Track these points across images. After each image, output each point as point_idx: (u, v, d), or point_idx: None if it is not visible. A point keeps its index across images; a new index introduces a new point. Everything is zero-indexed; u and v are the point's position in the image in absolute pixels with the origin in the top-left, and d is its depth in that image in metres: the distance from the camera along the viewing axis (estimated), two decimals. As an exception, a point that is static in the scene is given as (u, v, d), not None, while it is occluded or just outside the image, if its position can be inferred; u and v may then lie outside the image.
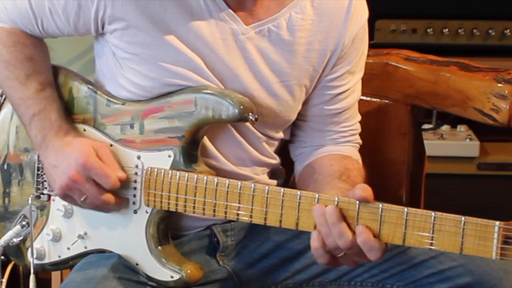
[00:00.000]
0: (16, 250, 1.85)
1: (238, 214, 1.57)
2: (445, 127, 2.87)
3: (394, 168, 2.00)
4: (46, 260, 1.80)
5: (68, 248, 1.76)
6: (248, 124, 1.70)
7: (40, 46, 1.77)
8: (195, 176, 1.60)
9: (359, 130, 1.84)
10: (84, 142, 1.67)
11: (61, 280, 2.32)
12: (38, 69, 1.73)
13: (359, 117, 1.84)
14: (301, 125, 1.81)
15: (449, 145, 2.82)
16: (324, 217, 1.46)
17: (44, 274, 1.89)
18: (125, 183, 1.67)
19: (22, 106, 1.73)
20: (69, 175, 1.64)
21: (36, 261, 1.79)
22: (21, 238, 1.82)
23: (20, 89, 1.72)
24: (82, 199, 1.65)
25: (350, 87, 1.77)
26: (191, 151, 1.64)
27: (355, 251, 1.46)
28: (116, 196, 1.65)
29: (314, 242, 1.48)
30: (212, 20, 1.63)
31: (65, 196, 1.69)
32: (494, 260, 1.59)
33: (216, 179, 1.59)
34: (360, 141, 1.85)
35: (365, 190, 1.45)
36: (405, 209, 1.42)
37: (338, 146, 1.81)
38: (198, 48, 1.64)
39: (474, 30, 2.86)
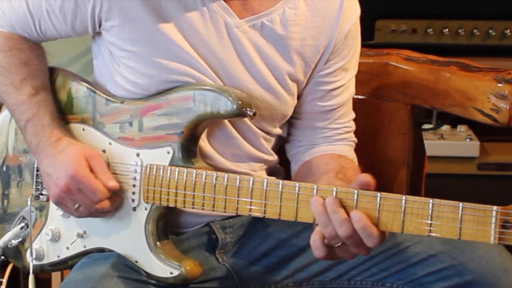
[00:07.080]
0: (15, 252, 1.84)
1: (237, 208, 1.57)
2: (445, 127, 2.87)
3: (394, 168, 2.00)
4: (45, 261, 1.80)
5: (67, 248, 1.76)
6: (245, 119, 1.70)
7: (37, 50, 1.77)
8: (194, 171, 1.61)
9: (354, 128, 1.85)
10: (76, 152, 1.66)
11: (61, 280, 2.31)
12: (33, 73, 1.74)
13: (353, 115, 1.84)
14: (295, 123, 1.82)
15: (449, 145, 2.82)
16: (322, 206, 1.46)
17: (44, 274, 1.88)
18: (124, 182, 1.67)
19: (17, 112, 1.73)
20: (60, 186, 1.65)
21: (35, 262, 1.78)
22: (20, 239, 1.81)
23: (14, 94, 1.73)
24: (75, 208, 1.66)
25: (343, 84, 1.78)
26: (190, 147, 1.64)
27: (354, 240, 1.46)
28: (111, 200, 1.65)
29: (314, 234, 1.49)
30: (206, 12, 1.64)
31: (59, 204, 1.70)
32: (493, 259, 1.61)
33: (215, 174, 1.59)
34: (355, 139, 1.85)
35: (368, 176, 1.47)
36: (403, 197, 1.43)
37: (333, 145, 1.81)
38: (192, 41, 1.64)
39: (474, 30, 2.86)
